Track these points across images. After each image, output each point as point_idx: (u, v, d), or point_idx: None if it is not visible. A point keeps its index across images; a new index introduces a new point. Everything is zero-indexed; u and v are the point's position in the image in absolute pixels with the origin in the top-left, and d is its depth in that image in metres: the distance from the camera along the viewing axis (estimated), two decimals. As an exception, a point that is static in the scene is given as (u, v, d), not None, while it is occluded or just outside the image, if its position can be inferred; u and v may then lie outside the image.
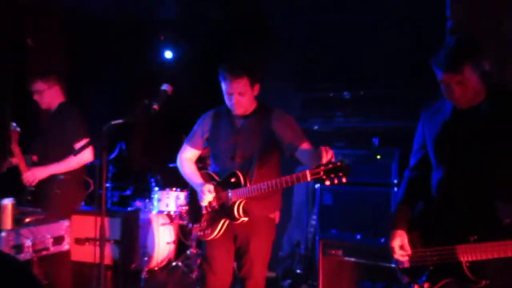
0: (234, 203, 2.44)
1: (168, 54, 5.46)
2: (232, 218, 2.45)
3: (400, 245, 2.04)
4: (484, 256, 1.81)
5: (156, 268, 4.51)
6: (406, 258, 2.04)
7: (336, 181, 2.01)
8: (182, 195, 4.49)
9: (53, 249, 2.72)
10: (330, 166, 2.02)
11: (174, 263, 4.52)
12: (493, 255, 1.79)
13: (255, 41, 4.86)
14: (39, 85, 3.19)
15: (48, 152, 3.17)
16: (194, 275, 4.28)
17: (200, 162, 3.55)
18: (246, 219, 2.46)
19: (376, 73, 4.17)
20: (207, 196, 2.48)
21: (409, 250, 2.03)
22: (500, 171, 1.86)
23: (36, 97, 3.23)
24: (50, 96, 3.23)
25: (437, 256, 1.95)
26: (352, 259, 3.16)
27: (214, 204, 2.52)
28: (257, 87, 2.54)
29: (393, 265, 2.14)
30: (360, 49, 4.09)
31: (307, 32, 4.25)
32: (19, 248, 2.52)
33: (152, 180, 4.61)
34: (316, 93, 4.52)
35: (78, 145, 3.08)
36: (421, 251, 2.01)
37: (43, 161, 3.16)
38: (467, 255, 1.85)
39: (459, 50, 1.85)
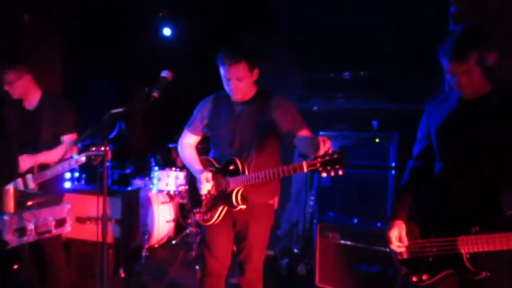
0: (233, 190, 2.46)
1: (167, 31, 5.38)
2: (231, 205, 2.48)
3: (398, 236, 2.03)
4: (486, 248, 1.80)
5: (156, 246, 4.61)
6: (403, 249, 2.04)
7: (332, 173, 2.02)
8: (181, 175, 4.54)
9: (55, 232, 2.76)
10: (327, 158, 2.02)
11: (174, 241, 4.61)
12: (495, 247, 1.78)
13: (256, 22, 4.79)
14: (9, 76, 3.06)
15: (35, 141, 3.08)
16: (194, 253, 4.37)
17: (203, 143, 3.56)
18: (244, 206, 2.48)
19: (377, 55, 4.13)
20: (205, 185, 2.51)
21: (406, 242, 2.03)
22: (504, 162, 1.85)
23: (6, 87, 3.09)
24: (21, 86, 3.09)
25: (437, 248, 1.94)
26: (349, 243, 3.23)
27: (213, 191, 2.55)
28: (256, 72, 2.52)
29: (390, 252, 2.13)
30: (362, 31, 4.04)
31: (309, 13, 4.18)
32: (22, 231, 2.56)
33: (152, 159, 4.64)
34: (317, 74, 4.50)
35: (66, 137, 3.07)
36: (421, 242, 2.00)
37: (28, 150, 3.08)
38: (468, 246, 1.84)
39: (466, 39, 1.84)
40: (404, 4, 3.73)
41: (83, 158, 2.71)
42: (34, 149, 3.05)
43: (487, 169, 1.87)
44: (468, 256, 1.85)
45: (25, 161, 2.98)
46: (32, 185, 2.96)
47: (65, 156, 3.03)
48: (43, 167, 3.00)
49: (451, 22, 2.76)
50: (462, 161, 1.94)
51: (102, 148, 2.53)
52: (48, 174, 2.95)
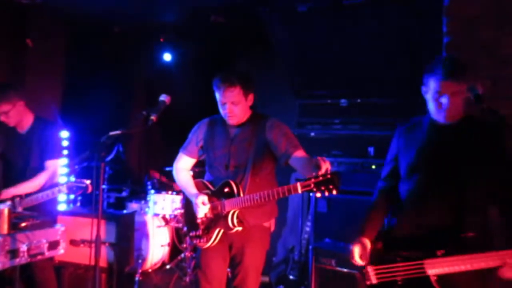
0: (228, 212, 2.47)
1: (167, 57, 5.47)
2: (227, 227, 2.48)
3: (360, 254, 2.09)
4: (452, 270, 1.85)
5: (150, 270, 4.54)
6: (362, 263, 2.09)
7: (326, 193, 2.03)
8: (177, 198, 4.51)
9: (48, 254, 2.73)
10: (321, 178, 2.03)
11: (168, 266, 4.55)
12: (460, 269, 1.83)
13: (254, 48, 4.89)
14: (3, 107, 3.02)
15: (25, 165, 3.09)
16: (188, 279, 4.30)
17: (199, 166, 3.57)
18: (240, 228, 2.48)
19: (373, 82, 4.20)
20: (202, 208, 2.51)
21: (366, 260, 2.08)
22: (468, 187, 1.92)
23: (2, 118, 3.06)
24: (16, 114, 3.07)
25: (405, 271, 1.98)
26: (345, 269, 3.20)
27: (209, 214, 2.55)
28: (251, 97, 2.56)
29: (358, 277, 2.23)
30: (358, 58, 4.11)
31: (306, 40, 4.27)
32: (14, 253, 2.53)
33: (149, 182, 4.63)
34: (313, 100, 4.55)
35: (49, 163, 3.06)
36: (389, 267, 2.03)
37: (17, 174, 3.09)
38: (435, 269, 1.89)
39: (462, 63, 1.96)
40: (400, 34, 3.82)
41: (65, 189, 2.78)
42: (23, 173, 3.06)
43: (453, 192, 1.95)
44: (435, 278, 1.89)
45: (7, 193, 2.97)
46: (19, 209, 2.95)
47: (48, 183, 3.03)
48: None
49: (444, 51, 2.83)
50: (430, 184, 2.02)
51: (85, 181, 2.68)
52: (34, 200, 2.95)
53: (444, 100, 1.93)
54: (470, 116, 2.00)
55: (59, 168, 3.14)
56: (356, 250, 2.10)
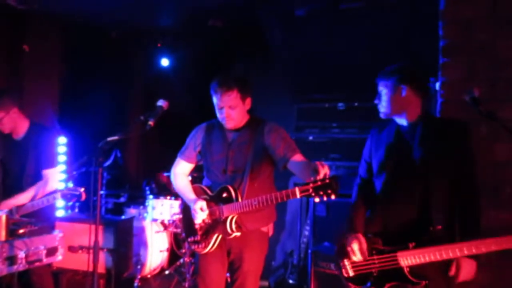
0: (227, 218, 2.46)
1: (165, 62, 5.48)
2: (225, 233, 2.47)
3: (360, 248, 2.16)
4: (423, 260, 2.01)
5: (149, 276, 4.52)
6: (361, 259, 2.17)
7: (325, 198, 2.02)
8: (176, 204, 4.50)
9: (46, 261, 2.71)
10: (319, 183, 2.03)
11: (167, 272, 4.53)
12: (430, 259, 2.00)
13: (252, 53, 4.90)
14: None
15: (21, 172, 3.07)
16: (187, 284, 4.29)
17: (198, 172, 3.57)
18: (238, 234, 2.47)
19: (370, 86, 4.20)
20: (200, 214, 2.50)
21: (366, 254, 2.16)
22: (431, 185, 2.07)
23: None
24: (10, 121, 3.03)
25: (380, 263, 2.14)
26: (344, 273, 3.18)
27: (207, 219, 2.54)
28: (248, 101, 2.56)
29: (336, 271, 2.33)
30: (355, 61, 4.13)
31: (304, 44, 4.28)
32: (12, 259, 2.51)
33: (147, 188, 4.62)
34: (311, 104, 4.56)
35: (46, 172, 3.03)
36: (365, 260, 2.18)
37: (13, 181, 3.08)
38: (407, 260, 2.05)
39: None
40: (397, 37, 3.84)
41: (59, 196, 2.78)
42: (20, 179, 3.04)
43: (419, 189, 2.10)
44: (408, 269, 2.06)
45: (5, 204, 2.95)
46: (16, 216, 2.94)
47: (45, 191, 3.01)
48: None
49: (440, 55, 2.84)
50: (394, 182, 2.17)
51: (79, 189, 2.69)
52: (30, 207, 2.94)
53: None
54: (431, 116, 2.18)
55: (56, 175, 3.12)
56: (355, 247, 2.16)
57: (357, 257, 2.16)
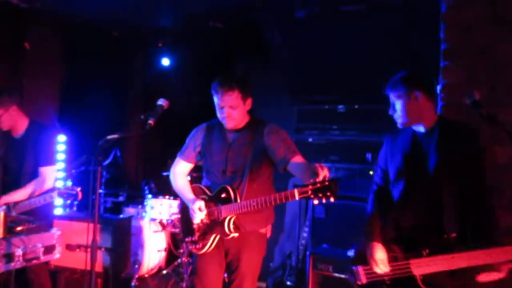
0: (225, 218, 2.45)
1: (166, 62, 5.48)
2: (223, 233, 2.47)
3: (382, 259, 2.12)
4: (436, 268, 1.96)
5: (146, 276, 4.51)
6: (386, 269, 2.12)
7: (324, 200, 2.02)
8: (175, 203, 4.50)
9: (43, 258, 2.71)
10: (319, 185, 2.02)
11: (164, 271, 4.52)
12: (443, 268, 1.95)
13: (252, 54, 4.90)
14: None
15: (19, 169, 3.06)
16: (184, 284, 4.28)
17: (197, 172, 3.56)
18: (236, 234, 2.47)
19: (370, 88, 4.20)
20: (198, 214, 2.49)
21: (388, 265, 2.11)
22: (446, 192, 2.04)
23: None
24: (9, 118, 3.03)
25: (393, 271, 2.09)
26: (342, 276, 3.18)
27: (205, 219, 2.53)
28: (249, 102, 2.56)
29: (348, 278, 2.29)
30: (355, 63, 4.13)
31: (304, 46, 4.28)
32: (9, 257, 2.52)
33: (146, 187, 4.62)
34: (311, 106, 4.56)
35: (43, 169, 3.01)
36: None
37: (12, 178, 3.08)
38: (420, 268, 2.00)
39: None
40: (397, 40, 3.84)
41: (56, 196, 2.77)
42: (18, 177, 3.03)
43: (428, 196, 2.07)
44: (421, 277, 2.01)
45: (1, 200, 2.94)
46: (14, 213, 2.93)
47: (43, 189, 3.00)
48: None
49: (441, 58, 2.84)
50: (410, 189, 2.15)
51: (76, 188, 2.67)
52: (27, 205, 2.93)
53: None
54: (446, 119, 2.16)
55: (54, 173, 3.11)
56: (379, 258, 2.12)
57: (380, 268, 2.12)
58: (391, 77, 2.25)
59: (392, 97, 2.19)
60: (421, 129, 2.17)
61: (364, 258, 2.20)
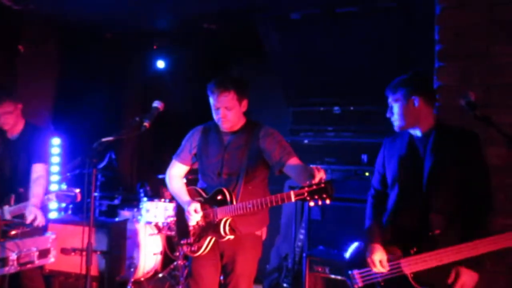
0: (220, 220, 2.45)
1: (161, 64, 5.46)
2: (219, 235, 2.46)
3: (380, 260, 2.16)
4: (425, 265, 2.04)
5: (142, 279, 4.49)
6: (383, 270, 2.17)
7: (319, 202, 2.03)
8: (170, 206, 4.48)
9: (38, 262, 2.69)
10: (314, 187, 2.04)
11: (160, 275, 4.50)
12: (432, 264, 2.02)
13: (248, 56, 4.90)
14: (7, 106, 2.98)
15: (14, 170, 3.05)
16: (180, 287, 4.26)
17: (193, 174, 3.55)
18: (232, 237, 2.46)
19: (366, 90, 4.22)
20: (194, 216, 2.48)
21: (386, 267, 2.16)
22: (438, 193, 2.08)
23: (3, 119, 3.00)
24: (15, 116, 3.04)
25: (386, 272, 2.16)
26: (339, 277, 3.18)
27: (201, 221, 2.53)
28: (245, 103, 2.56)
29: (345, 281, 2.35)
30: (351, 65, 4.14)
31: (299, 47, 4.29)
32: (3, 261, 2.50)
33: (141, 190, 4.60)
34: (306, 107, 4.56)
35: (35, 166, 2.99)
36: (371, 269, 2.19)
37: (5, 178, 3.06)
38: (410, 267, 2.07)
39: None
40: (393, 42, 3.86)
41: (53, 197, 2.76)
42: (10, 179, 3.02)
43: (417, 196, 2.12)
44: (412, 275, 2.07)
45: (31, 212, 2.86)
46: (8, 216, 2.90)
47: (46, 186, 3.00)
48: (20, 199, 2.96)
49: (436, 59, 2.85)
50: (402, 192, 2.18)
51: (74, 190, 2.67)
52: (22, 208, 2.91)
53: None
54: (444, 124, 2.17)
55: (47, 174, 3.09)
56: (376, 258, 2.16)
57: (379, 269, 2.16)
58: (392, 79, 2.25)
59: (391, 99, 2.21)
60: (417, 133, 2.19)
61: (359, 262, 2.25)
